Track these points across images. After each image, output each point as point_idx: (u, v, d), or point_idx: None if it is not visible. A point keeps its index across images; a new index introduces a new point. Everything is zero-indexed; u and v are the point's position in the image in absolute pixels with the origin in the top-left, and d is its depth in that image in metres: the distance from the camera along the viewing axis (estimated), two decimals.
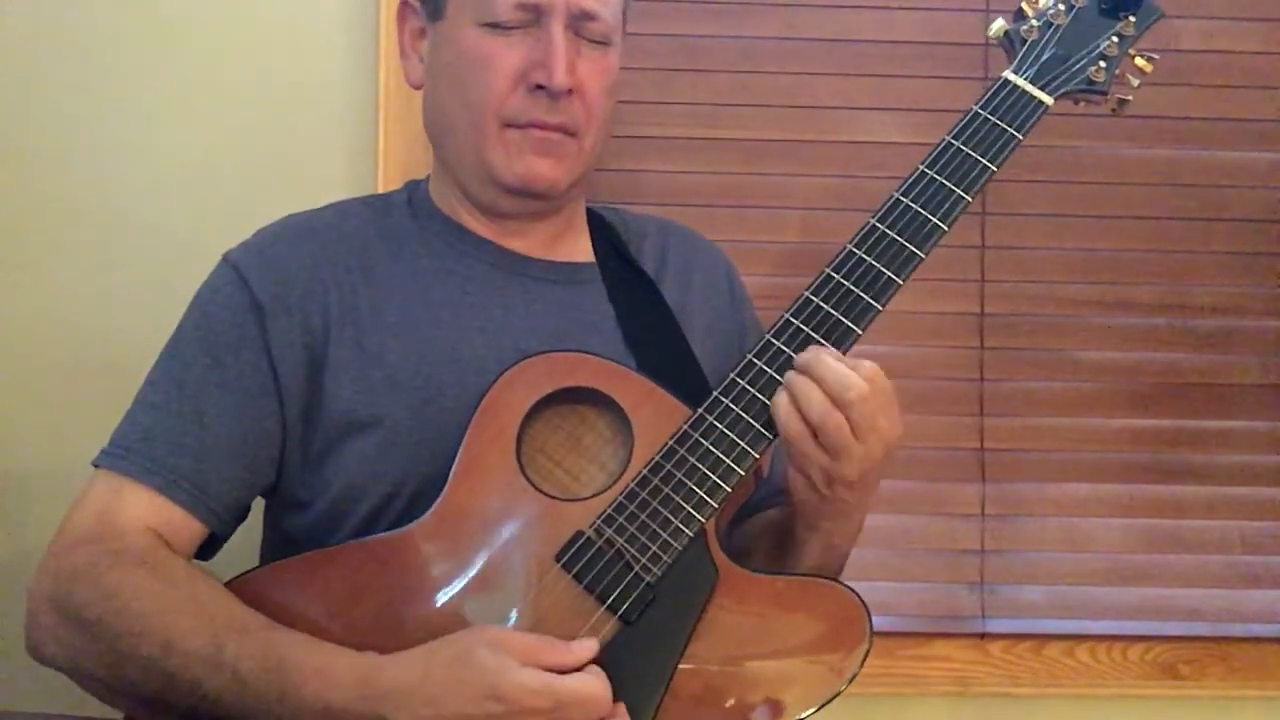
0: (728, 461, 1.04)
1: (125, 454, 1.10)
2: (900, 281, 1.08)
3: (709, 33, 1.65)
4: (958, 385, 1.66)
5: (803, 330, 1.06)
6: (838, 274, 1.08)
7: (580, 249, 1.26)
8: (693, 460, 1.04)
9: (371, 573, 1.04)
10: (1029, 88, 1.15)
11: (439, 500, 1.05)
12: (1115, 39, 1.17)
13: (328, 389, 1.12)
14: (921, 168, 1.12)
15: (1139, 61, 1.18)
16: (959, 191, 1.10)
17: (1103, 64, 1.16)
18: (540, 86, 1.13)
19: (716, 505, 1.03)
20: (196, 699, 0.99)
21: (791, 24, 1.65)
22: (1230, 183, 1.68)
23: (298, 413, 1.13)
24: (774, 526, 1.19)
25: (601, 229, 1.29)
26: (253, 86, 1.59)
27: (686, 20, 1.65)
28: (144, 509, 1.08)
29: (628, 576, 1.01)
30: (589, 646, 0.97)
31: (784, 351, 1.06)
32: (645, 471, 1.04)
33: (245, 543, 1.19)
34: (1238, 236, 1.68)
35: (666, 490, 1.03)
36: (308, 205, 1.25)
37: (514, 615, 1.01)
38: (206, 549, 1.13)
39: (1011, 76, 1.16)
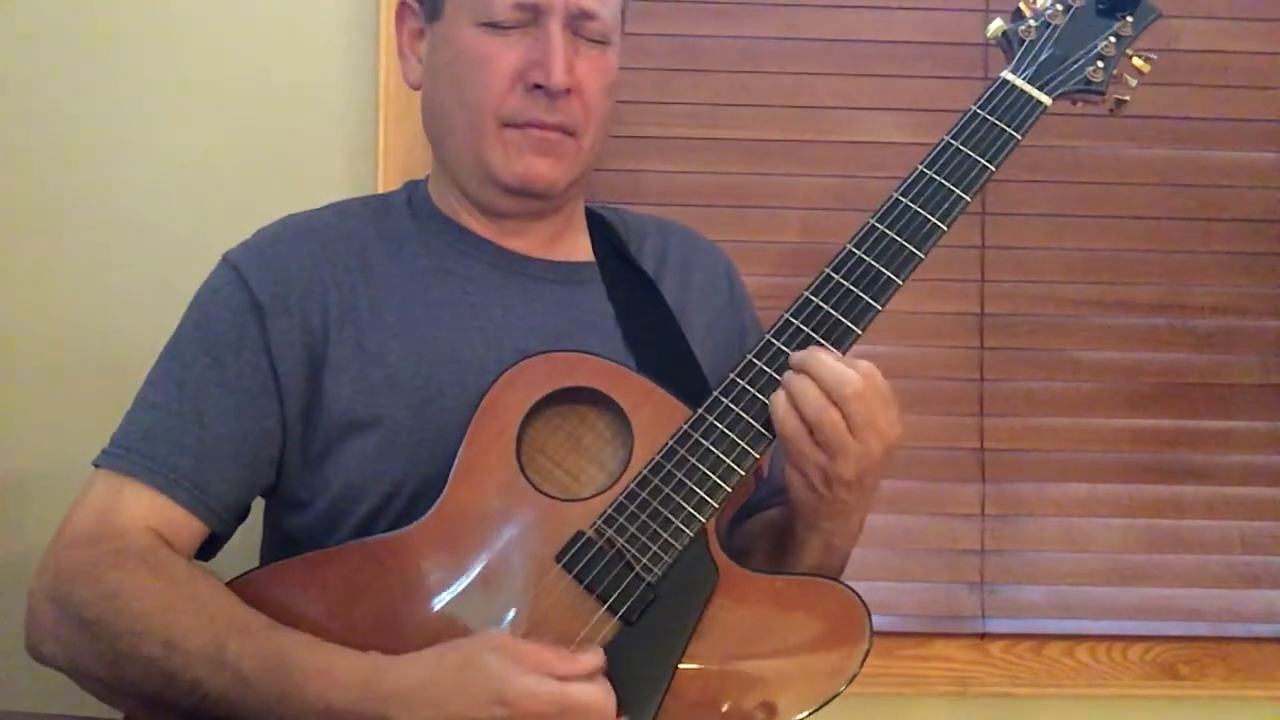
0: (728, 461, 1.04)
1: (125, 453, 1.10)
2: (900, 282, 1.08)
3: (709, 33, 1.65)
4: (958, 385, 1.66)
5: (802, 330, 1.06)
6: (837, 274, 1.08)
7: (580, 248, 1.26)
8: (693, 460, 1.04)
9: (371, 573, 1.04)
10: (1027, 88, 1.14)
11: (439, 500, 1.05)
12: (1113, 39, 1.17)
13: (327, 389, 1.12)
14: (921, 168, 1.12)
15: (1137, 62, 1.18)
16: (958, 192, 1.10)
17: (1100, 64, 1.16)
18: (539, 86, 1.14)
19: (717, 505, 1.03)
20: (197, 699, 0.99)
21: (791, 24, 1.65)
22: (1230, 183, 1.68)
23: (298, 412, 1.13)
24: (774, 526, 1.19)
25: (601, 228, 1.29)
26: (253, 86, 1.59)
27: (686, 20, 1.65)
28: (144, 508, 1.08)
29: (628, 577, 1.01)
30: (596, 657, 0.97)
31: (784, 351, 1.05)
32: (645, 472, 1.04)
33: (245, 543, 1.19)
34: (1238, 236, 1.68)
35: (667, 490, 1.03)
36: (308, 205, 1.25)
37: (514, 615, 1.01)
38: (207, 549, 1.13)
39: (1010, 76, 1.15)
